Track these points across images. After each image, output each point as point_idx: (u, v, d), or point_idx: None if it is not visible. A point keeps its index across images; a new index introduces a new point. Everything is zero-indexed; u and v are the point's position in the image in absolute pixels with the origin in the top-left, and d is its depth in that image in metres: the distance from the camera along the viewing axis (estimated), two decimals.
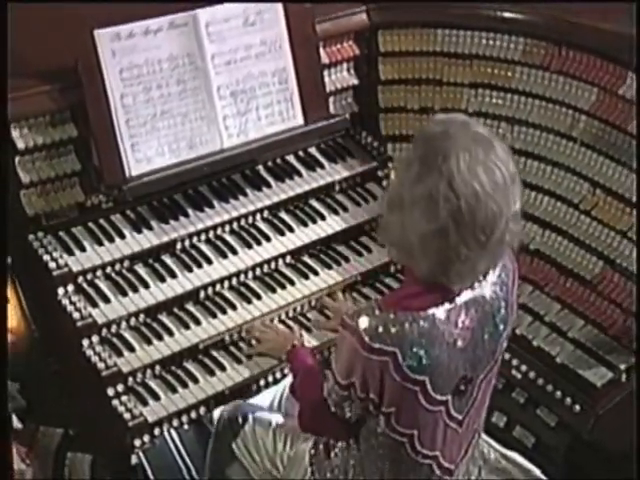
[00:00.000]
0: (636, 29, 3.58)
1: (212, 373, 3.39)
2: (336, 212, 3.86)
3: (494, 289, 2.68)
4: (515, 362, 3.71)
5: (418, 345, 2.52)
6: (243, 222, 3.74)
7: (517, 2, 3.92)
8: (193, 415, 3.32)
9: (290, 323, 3.60)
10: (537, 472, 3.20)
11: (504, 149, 2.52)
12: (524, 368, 3.70)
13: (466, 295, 2.63)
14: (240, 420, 3.37)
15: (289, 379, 3.34)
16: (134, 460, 3.39)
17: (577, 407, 3.56)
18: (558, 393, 3.61)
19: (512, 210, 2.48)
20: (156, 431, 3.25)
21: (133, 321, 3.42)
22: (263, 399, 3.55)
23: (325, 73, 3.95)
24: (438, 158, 2.43)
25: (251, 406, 3.46)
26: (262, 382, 3.43)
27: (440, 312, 2.57)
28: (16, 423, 3.09)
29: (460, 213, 2.41)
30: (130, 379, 3.30)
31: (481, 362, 2.70)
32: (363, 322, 2.53)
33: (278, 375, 3.42)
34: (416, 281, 2.62)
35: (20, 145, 3.32)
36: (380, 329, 2.51)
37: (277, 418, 3.35)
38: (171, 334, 3.42)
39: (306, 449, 3.12)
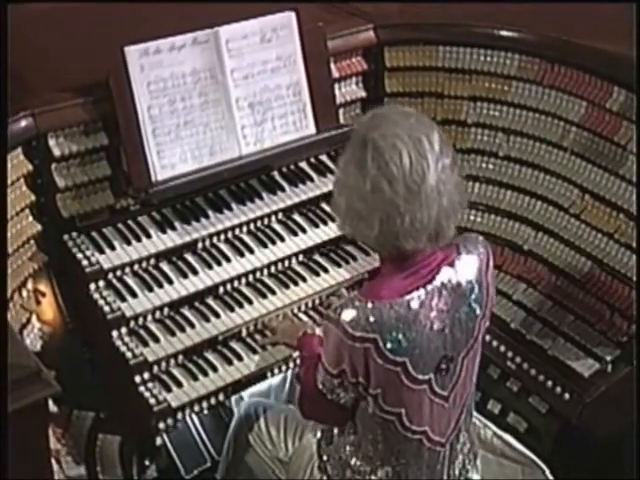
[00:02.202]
0: (636, 49, 3.61)
1: (230, 362, 3.43)
2: None
3: (465, 272, 2.69)
4: (510, 354, 3.73)
5: (396, 329, 2.56)
6: (259, 223, 3.76)
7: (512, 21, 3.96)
8: (213, 401, 3.37)
9: (302, 316, 3.62)
10: (527, 452, 3.23)
11: (424, 117, 2.62)
12: (518, 360, 3.72)
13: (439, 280, 2.64)
14: (254, 416, 3.39)
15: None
16: (158, 441, 3.38)
17: (566, 395, 3.58)
18: (549, 383, 3.63)
19: (441, 163, 2.52)
20: (179, 415, 3.29)
21: (158, 314, 3.46)
22: (271, 386, 3.61)
23: (335, 86, 3.96)
24: (362, 132, 2.57)
25: (265, 402, 3.48)
26: (276, 371, 3.47)
27: (415, 298, 2.60)
28: (52, 407, 3.11)
29: (387, 167, 2.48)
30: (155, 367, 3.35)
31: (460, 342, 2.72)
32: (345, 314, 2.57)
33: (291, 364, 3.45)
34: (389, 270, 2.68)
35: (56, 153, 3.36)
36: (361, 318, 2.55)
37: (287, 412, 3.37)
38: (193, 326, 3.45)
39: (312, 439, 3.14)
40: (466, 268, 2.70)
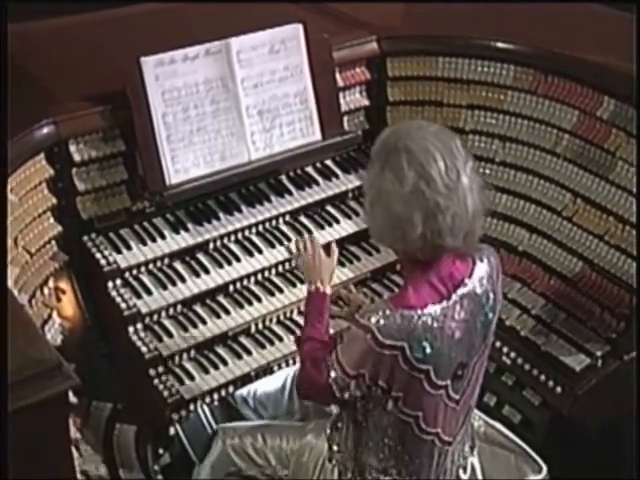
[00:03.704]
0: (636, 65, 3.61)
1: (240, 357, 3.46)
2: (349, 217, 3.90)
3: (482, 282, 2.69)
4: (505, 350, 3.74)
5: (423, 339, 2.53)
6: (267, 225, 3.78)
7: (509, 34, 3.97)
8: (223, 393, 3.40)
9: None
10: (520, 441, 3.21)
11: (452, 133, 2.60)
12: (513, 355, 3.73)
13: (461, 290, 2.63)
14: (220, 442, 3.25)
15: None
16: (172, 431, 3.42)
17: (558, 389, 3.60)
18: (542, 377, 3.64)
19: (469, 167, 2.52)
20: (191, 406, 3.33)
21: (172, 311, 3.49)
22: (275, 381, 3.56)
23: (340, 95, 3.97)
24: (393, 141, 2.54)
25: (240, 425, 3.36)
26: (283, 365, 3.49)
27: (439, 308, 2.58)
28: (72, 398, 3.11)
29: (424, 169, 2.45)
30: (169, 361, 3.38)
31: (474, 348, 2.71)
32: (375, 321, 2.53)
33: (298, 359, 3.39)
34: (415, 277, 2.63)
35: (77, 158, 3.39)
36: (390, 327, 2.52)
37: (265, 427, 3.26)
38: (204, 322, 3.48)
39: (313, 440, 3.08)
40: (482, 278, 2.71)
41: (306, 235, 3.57)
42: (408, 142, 2.50)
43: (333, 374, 2.72)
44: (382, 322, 2.53)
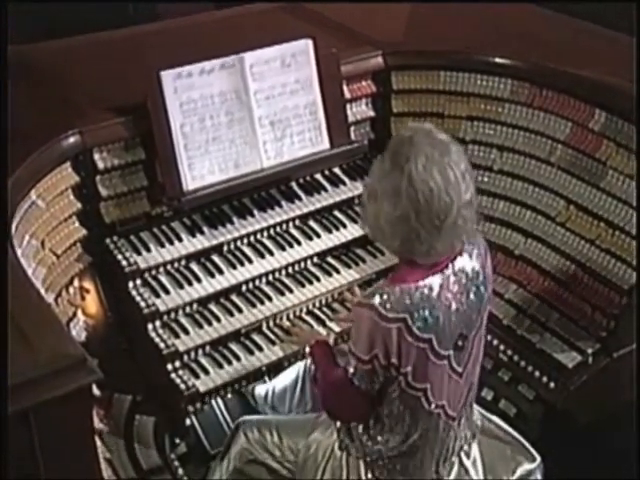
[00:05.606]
0: (636, 80, 3.61)
1: (251, 353, 3.48)
2: (355, 221, 3.90)
3: (472, 260, 2.75)
4: (502, 347, 3.77)
5: (422, 309, 2.60)
6: (278, 229, 3.80)
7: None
8: (236, 387, 3.43)
9: (317, 313, 3.68)
10: (515, 433, 3.23)
11: (458, 152, 2.60)
12: (509, 352, 3.76)
13: (452, 267, 2.70)
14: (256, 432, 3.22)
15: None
16: (188, 422, 3.46)
17: (552, 384, 3.62)
18: (537, 373, 3.67)
19: (463, 200, 2.54)
20: (206, 399, 3.35)
21: (188, 309, 3.50)
22: (289, 374, 3.56)
23: (347, 106, 3.99)
24: (402, 159, 2.53)
25: (257, 419, 3.34)
26: (292, 360, 3.51)
27: (435, 281, 2.65)
28: (95, 391, 3.13)
29: (418, 203, 2.50)
30: (185, 357, 3.40)
31: (471, 320, 2.76)
32: (376, 299, 2.60)
33: (308, 360, 3.44)
34: (407, 262, 2.70)
35: (100, 166, 3.42)
36: (391, 301, 2.58)
37: (279, 419, 3.31)
38: (219, 320, 3.50)
39: (320, 437, 3.09)
40: (472, 256, 2.76)
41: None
42: (413, 169, 2.52)
43: (351, 368, 2.77)
44: (384, 298, 2.61)
